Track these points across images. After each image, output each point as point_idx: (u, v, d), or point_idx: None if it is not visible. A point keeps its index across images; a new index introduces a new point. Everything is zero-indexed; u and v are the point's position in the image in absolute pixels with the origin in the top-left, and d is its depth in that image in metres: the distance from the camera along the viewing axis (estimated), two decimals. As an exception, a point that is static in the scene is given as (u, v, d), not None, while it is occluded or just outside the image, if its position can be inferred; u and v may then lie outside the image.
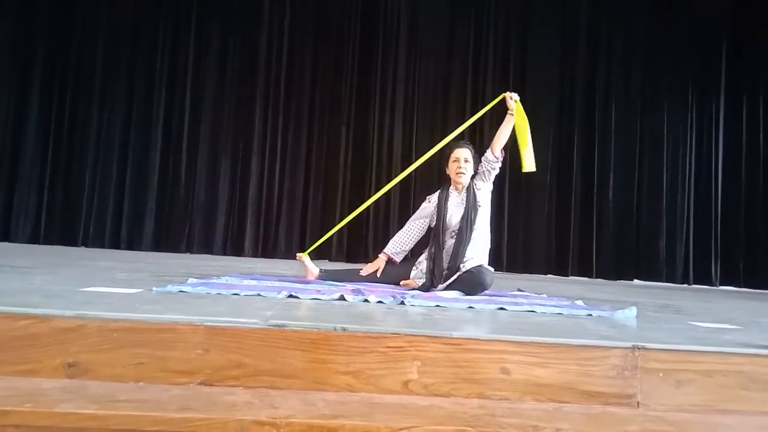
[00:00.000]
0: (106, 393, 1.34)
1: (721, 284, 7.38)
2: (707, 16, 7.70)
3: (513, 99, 3.11)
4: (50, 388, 1.36)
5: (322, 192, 7.60)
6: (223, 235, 7.51)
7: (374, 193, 7.57)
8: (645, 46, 7.73)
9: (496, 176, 3.15)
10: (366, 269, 3.18)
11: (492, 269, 3.02)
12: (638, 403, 1.53)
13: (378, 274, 3.14)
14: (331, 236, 7.21)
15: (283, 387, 1.47)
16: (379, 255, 3.20)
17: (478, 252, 3.00)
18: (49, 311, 1.51)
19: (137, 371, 1.45)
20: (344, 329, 1.54)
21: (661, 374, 1.55)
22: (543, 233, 7.59)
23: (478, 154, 3.16)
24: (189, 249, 7.38)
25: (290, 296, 2.29)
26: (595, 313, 2.37)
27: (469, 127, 3.47)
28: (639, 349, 1.56)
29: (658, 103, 7.75)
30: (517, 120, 3.09)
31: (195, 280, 2.68)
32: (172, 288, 2.28)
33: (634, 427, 1.37)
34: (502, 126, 3.11)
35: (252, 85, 7.66)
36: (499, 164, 3.11)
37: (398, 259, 3.18)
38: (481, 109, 3.47)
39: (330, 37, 7.77)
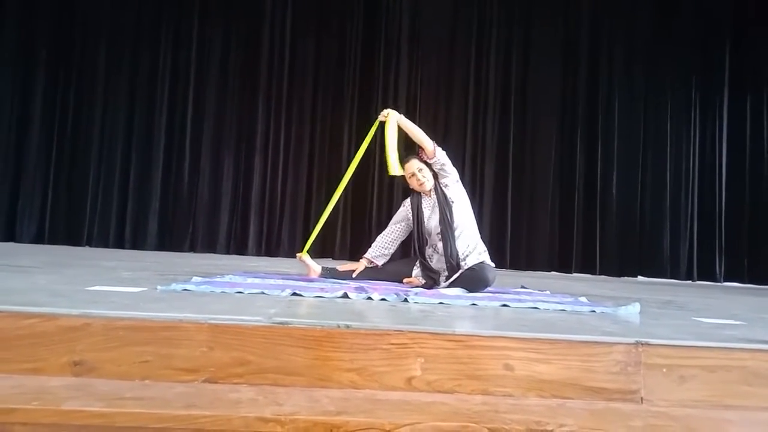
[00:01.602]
0: (112, 391, 1.35)
1: (725, 280, 7.37)
2: (710, 12, 7.68)
3: (383, 115, 3.16)
4: (56, 386, 1.37)
5: (325, 190, 7.60)
6: (226, 234, 7.52)
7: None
8: (647, 42, 7.71)
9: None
10: (344, 267, 3.28)
11: (494, 265, 3.03)
12: (641, 398, 1.53)
13: (353, 276, 3.18)
14: (335, 234, 7.31)
15: (287, 384, 1.47)
16: (361, 259, 3.27)
17: (471, 245, 3.01)
18: (54, 310, 1.52)
19: (142, 369, 1.46)
20: (348, 326, 1.54)
21: (664, 370, 1.55)
22: (546, 230, 7.58)
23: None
24: (193, 248, 7.40)
25: (294, 294, 2.30)
26: (598, 309, 2.37)
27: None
28: (642, 344, 1.56)
29: (661, 99, 7.73)
30: (388, 131, 3.13)
31: (199, 279, 2.69)
32: (177, 286, 2.29)
33: (638, 423, 1.37)
34: (408, 134, 3.15)
35: (254, 83, 7.67)
36: (441, 159, 3.09)
37: (379, 262, 3.24)
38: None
39: (332, 34, 7.77)
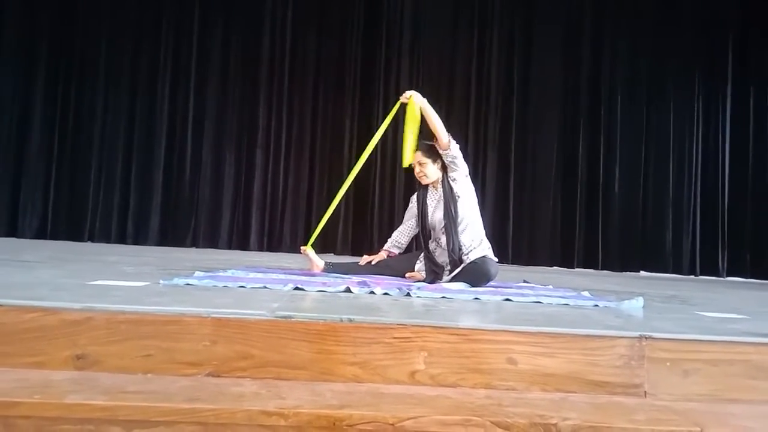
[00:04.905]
0: (115, 384, 1.35)
1: (728, 275, 7.35)
2: (713, 7, 7.63)
3: (405, 97, 3.08)
4: (59, 379, 1.37)
5: (326, 185, 7.59)
6: (228, 229, 7.52)
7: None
8: (650, 37, 7.67)
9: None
10: (364, 259, 3.33)
11: (496, 260, 3.03)
12: (645, 392, 1.53)
13: (372, 262, 3.24)
14: (337, 230, 7.31)
15: (291, 378, 1.47)
16: (380, 251, 3.33)
17: (474, 240, 3.01)
18: (57, 304, 1.52)
19: (145, 363, 1.46)
20: (350, 320, 1.54)
21: (668, 364, 1.55)
22: (548, 225, 7.56)
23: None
24: (195, 243, 7.40)
25: (296, 288, 2.30)
26: (601, 303, 2.37)
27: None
28: (646, 338, 1.56)
29: (664, 94, 7.69)
30: (408, 115, 3.06)
31: (202, 273, 2.69)
32: (179, 281, 2.29)
33: (641, 417, 1.37)
34: (426, 120, 3.08)
35: (255, 79, 7.65)
36: (453, 152, 3.04)
37: (396, 251, 3.32)
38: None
39: (333, 29, 7.74)
